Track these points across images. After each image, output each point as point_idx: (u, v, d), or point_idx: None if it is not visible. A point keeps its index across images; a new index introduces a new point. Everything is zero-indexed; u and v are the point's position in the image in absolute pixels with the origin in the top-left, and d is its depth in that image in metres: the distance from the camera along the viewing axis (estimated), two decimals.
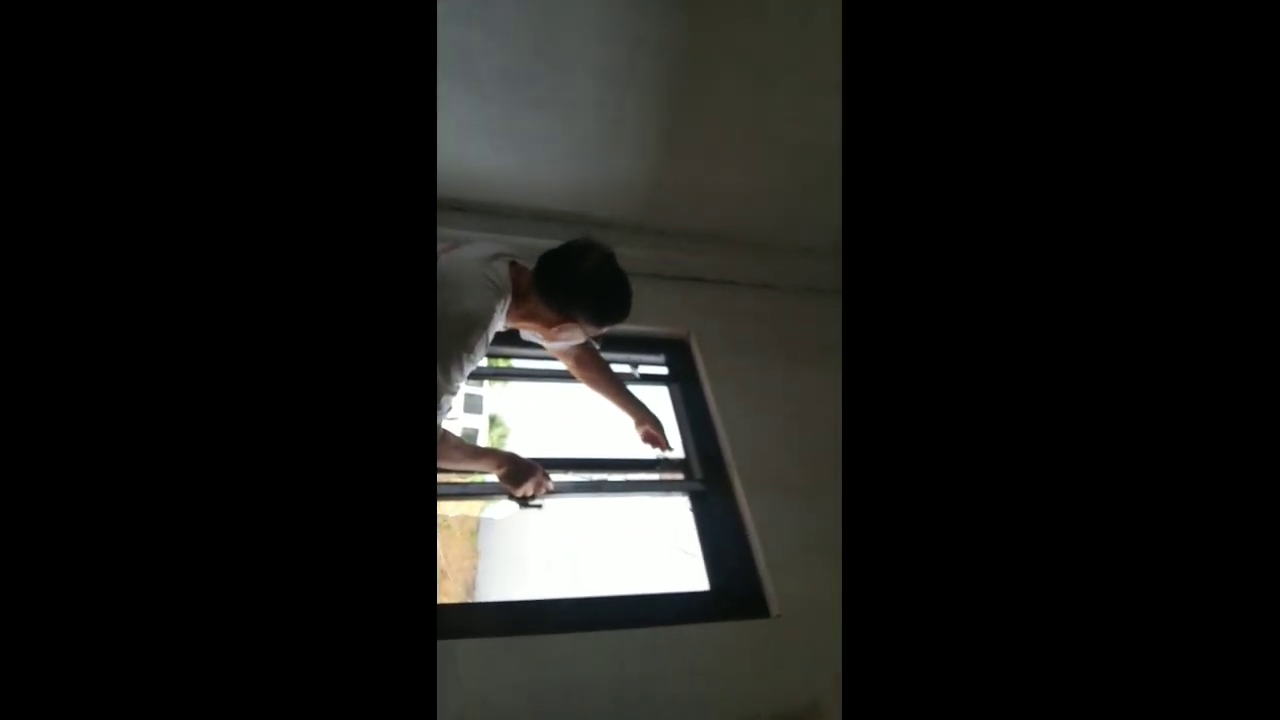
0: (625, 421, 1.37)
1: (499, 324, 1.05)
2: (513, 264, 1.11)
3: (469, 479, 1.29)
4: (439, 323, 0.96)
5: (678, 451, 1.44)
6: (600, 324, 1.11)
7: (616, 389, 1.36)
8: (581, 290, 1.07)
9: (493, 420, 13.21)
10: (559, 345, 1.21)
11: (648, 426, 1.34)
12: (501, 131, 1.46)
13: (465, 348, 0.98)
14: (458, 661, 0.98)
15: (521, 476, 1.16)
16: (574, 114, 1.46)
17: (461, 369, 0.99)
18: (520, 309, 1.09)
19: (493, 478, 1.18)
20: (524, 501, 1.20)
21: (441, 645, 0.98)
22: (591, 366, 1.34)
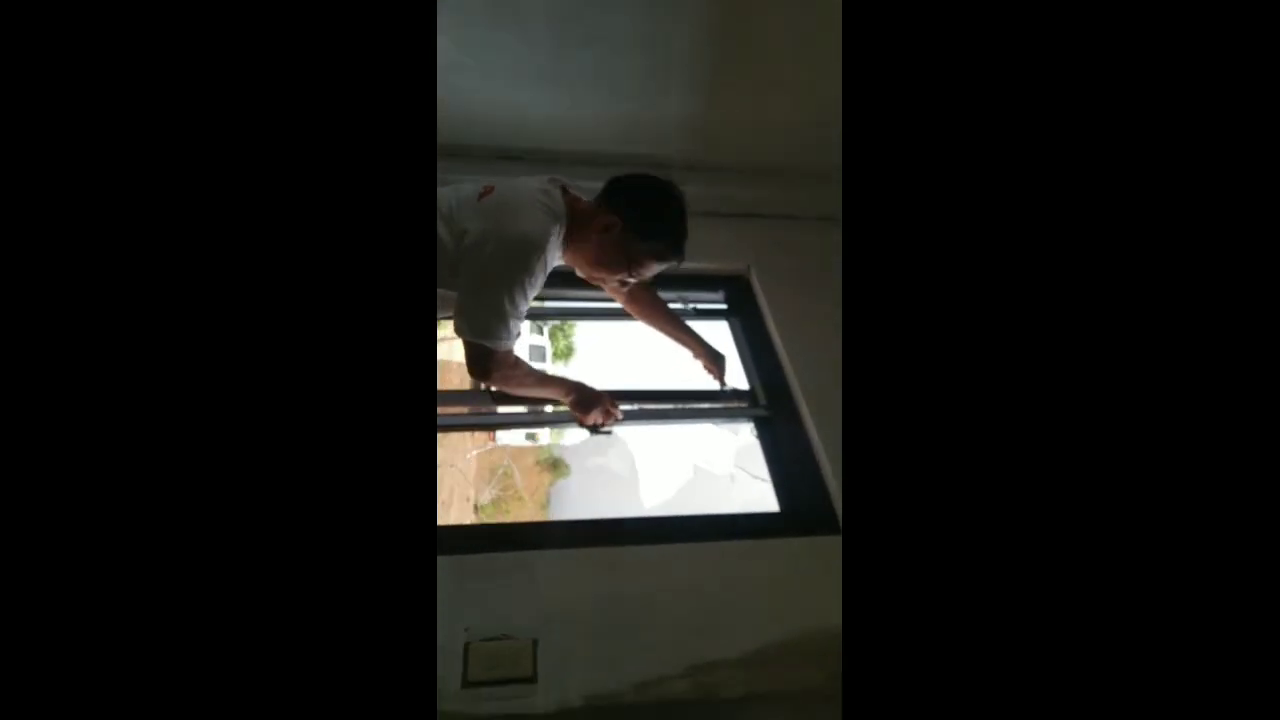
0: (685, 355, 1.40)
1: (556, 249, 1.08)
2: (565, 190, 1.14)
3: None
4: (497, 247, 1.00)
5: (742, 382, 1.47)
6: (658, 256, 1.13)
7: (674, 324, 1.37)
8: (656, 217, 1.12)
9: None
10: (606, 274, 1.20)
11: (706, 359, 1.36)
12: (551, 75, 1.48)
13: (526, 270, 1.01)
14: (535, 572, 1.04)
15: (590, 404, 1.20)
16: (622, 52, 1.45)
17: (525, 293, 1.02)
18: (575, 236, 1.12)
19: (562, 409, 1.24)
20: (594, 429, 1.26)
21: (518, 557, 1.05)
22: (646, 303, 1.36)
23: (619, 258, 1.13)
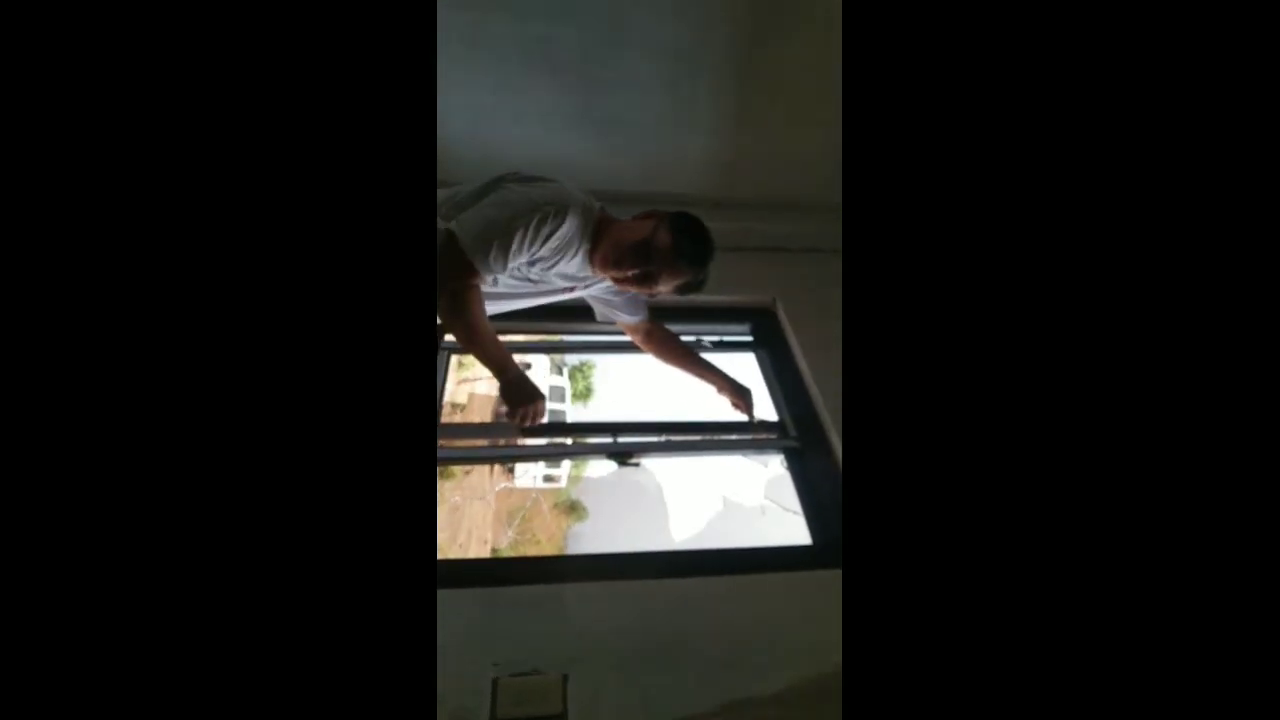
0: (709, 391, 1.38)
1: (578, 236, 1.06)
2: (602, 208, 1.16)
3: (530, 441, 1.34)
4: (527, 188, 1.01)
5: (770, 414, 1.45)
6: (687, 270, 1.09)
7: (693, 360, 1.36)
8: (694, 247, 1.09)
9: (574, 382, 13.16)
10: (628, 259, 1.10)
11: (731, 393, 1.34)
12: (581, 118, 1.54)
13: (542, 215, 1.00)
14: (564, 605, 1.02)
15: (520, 397, 1.06)
16: (648, 95, 1.51)
17: (529, 235, 1.00)
18: (605, 231, 1.11)
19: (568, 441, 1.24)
20: (623, 459, 1.25)
21: (549, 590, 1.04)
22: (661, 340, 1.35)
23: (642, 240, 1.07)
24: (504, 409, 1.07)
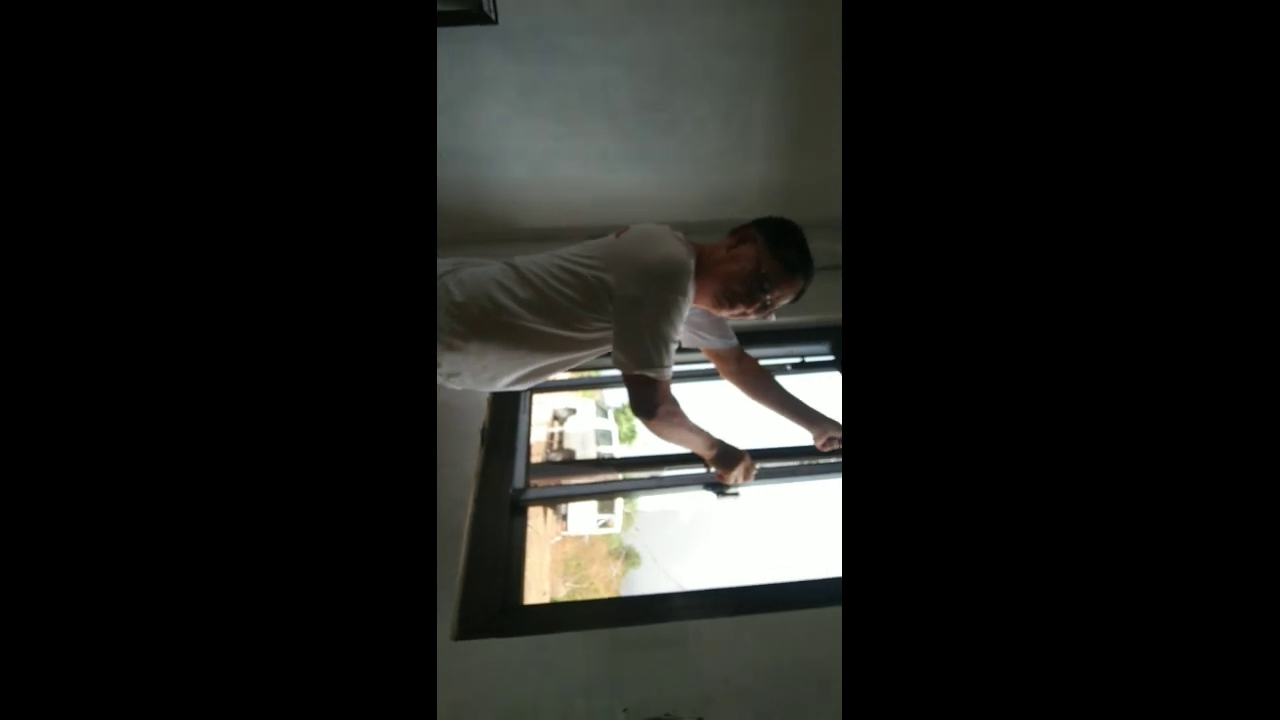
0: (801, 433, 1.30)
1: (692, 281, 1.02)
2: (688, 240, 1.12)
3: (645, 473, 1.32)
4: (645, 273, 0.97)
5: None
6: (801, 280, 1.08)
7: (785, 398, 1.28)
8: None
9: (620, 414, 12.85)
10: (739, 291, 1.08)
11: (831, 433, 1.25)
12: (640, 156, 1.57)
13: (679, 292, 0.97)
14: (691, 644, 0.99)
15: (732, 461, 1.15)
16: (705, 128, 1.53)
17: (680, 315, 0.98)
18: (704, 267, 1.07)
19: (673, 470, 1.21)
20: (722, 490, 1.22)
21: (675, 628, 1.01)
22: (753, 372, 1.29)
23: (751, 270, 1.05)
24: (716, 473, 1.18)
